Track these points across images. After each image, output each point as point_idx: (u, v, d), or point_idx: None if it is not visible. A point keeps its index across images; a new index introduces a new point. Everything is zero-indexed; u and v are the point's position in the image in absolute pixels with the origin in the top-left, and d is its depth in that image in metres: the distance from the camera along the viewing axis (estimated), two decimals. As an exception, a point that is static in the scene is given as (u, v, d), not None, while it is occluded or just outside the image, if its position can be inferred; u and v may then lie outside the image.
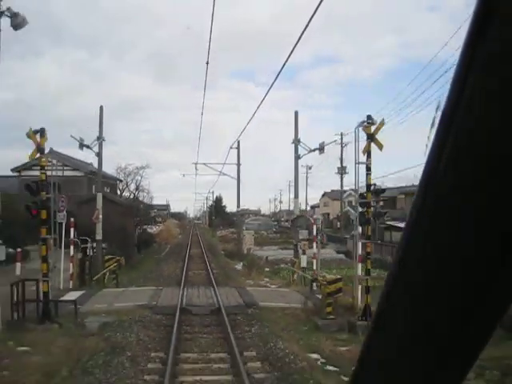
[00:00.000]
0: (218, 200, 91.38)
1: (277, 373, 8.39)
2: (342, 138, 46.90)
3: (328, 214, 68.97)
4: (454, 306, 0.53)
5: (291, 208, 67.60)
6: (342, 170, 54.38)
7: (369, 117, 12.78)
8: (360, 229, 14.11)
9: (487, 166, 0.47)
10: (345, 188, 57.44)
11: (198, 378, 8.17)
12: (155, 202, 56.53)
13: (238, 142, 36.29)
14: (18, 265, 12.76)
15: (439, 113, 0.51)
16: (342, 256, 35.51)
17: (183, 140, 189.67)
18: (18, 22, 11.30)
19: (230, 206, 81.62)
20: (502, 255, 0.48)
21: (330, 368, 9.23)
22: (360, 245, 14.09)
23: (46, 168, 12.56)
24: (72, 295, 14.83)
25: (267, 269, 27.41)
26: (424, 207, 0.53)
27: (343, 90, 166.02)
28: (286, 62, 12.21)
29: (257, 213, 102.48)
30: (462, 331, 0.54)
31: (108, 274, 18.83)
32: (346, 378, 8.62)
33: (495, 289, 0.51)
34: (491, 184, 0.47)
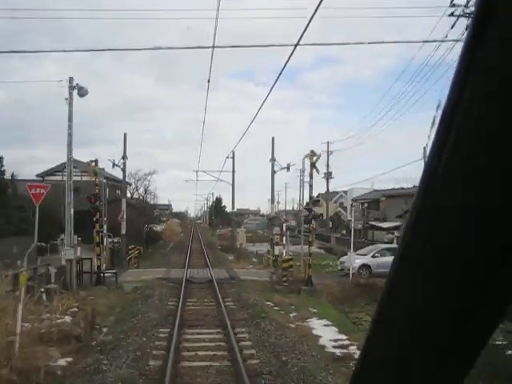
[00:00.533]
0: (218, 201, 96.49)
1: (241, 306, 14.75)
2: (328, 147, 53.60)
3: (322, 214, 74.60)
4: (454, 305, 0.53)
5: (288, 208, 73.89)
6: (327, 176, 60.76)
7: (312, 151, 19.16)
8: (313, 225, 20.53)
9: (487, 167, 0.47)
10: (336, 190, 63.81)
11: (197, 308, 14.55)
12: (157, 201, 60.80)
13: (233, 153, 42.48)
14: (79, 248, 19.09)
15: (439, 112, 0.51)
16: (322, 251, 41.91)
17: (184, 140, 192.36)
18: (82, 92, 17.61)
19: (230, 207, 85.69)
20: (502, 255, 0.48)
21: (275, 308, 15.61)
22: (311, 236, 20.46)
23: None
24: (109, 272, 21.21)
25: (255, 259, 33.73)
26: (424, 207, 0.53)
27: (344, 90, 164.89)
28: (287, 63, 12.51)
29: (256, 213, 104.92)
30: (462, 331, 0.54)
31: (132, 259, 25.29)
32: (282, 312, 15.01)
33: (495, 289, 0.51)
34: (491, 184, 0.47)
